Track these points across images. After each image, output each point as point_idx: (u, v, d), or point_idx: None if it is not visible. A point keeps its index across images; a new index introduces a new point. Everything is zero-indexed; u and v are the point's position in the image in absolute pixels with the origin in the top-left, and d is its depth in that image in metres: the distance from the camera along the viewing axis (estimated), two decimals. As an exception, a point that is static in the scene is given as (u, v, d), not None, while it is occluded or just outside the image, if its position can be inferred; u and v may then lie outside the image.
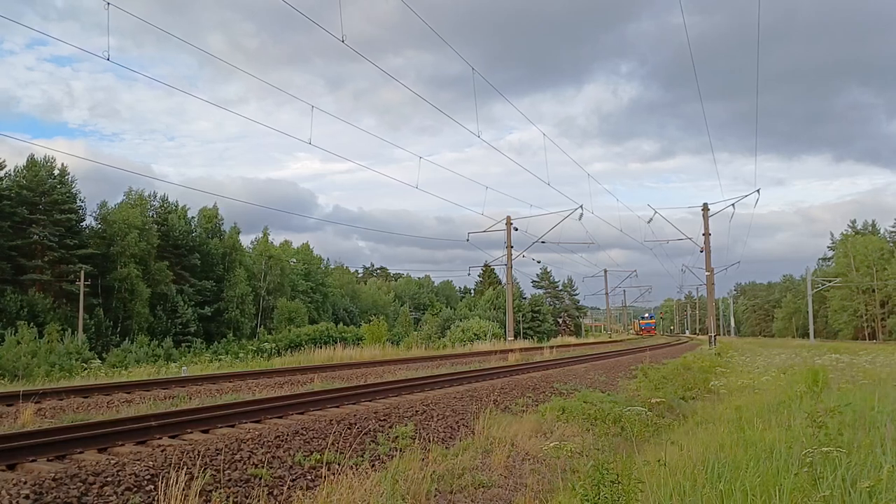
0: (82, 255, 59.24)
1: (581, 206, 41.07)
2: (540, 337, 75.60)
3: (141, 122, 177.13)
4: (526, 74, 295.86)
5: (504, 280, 56.56)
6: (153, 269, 64.05)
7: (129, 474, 6.30)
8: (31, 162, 60.66)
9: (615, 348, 41.18)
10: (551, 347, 34.11)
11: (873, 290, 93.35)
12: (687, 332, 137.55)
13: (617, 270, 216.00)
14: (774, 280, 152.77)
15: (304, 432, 8.53)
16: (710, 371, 20.07)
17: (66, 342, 41.85)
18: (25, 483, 5.79)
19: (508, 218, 44.51)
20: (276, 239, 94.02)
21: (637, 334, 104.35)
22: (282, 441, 8.04)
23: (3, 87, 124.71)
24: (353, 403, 11.28)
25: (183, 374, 18.49)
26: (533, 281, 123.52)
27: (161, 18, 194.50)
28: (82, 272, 55.15)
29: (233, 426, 8.93)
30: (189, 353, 48.21)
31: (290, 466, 7.37)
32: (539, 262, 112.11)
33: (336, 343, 37.83)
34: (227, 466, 6.92)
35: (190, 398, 12.68)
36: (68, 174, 62.78)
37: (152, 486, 6.10)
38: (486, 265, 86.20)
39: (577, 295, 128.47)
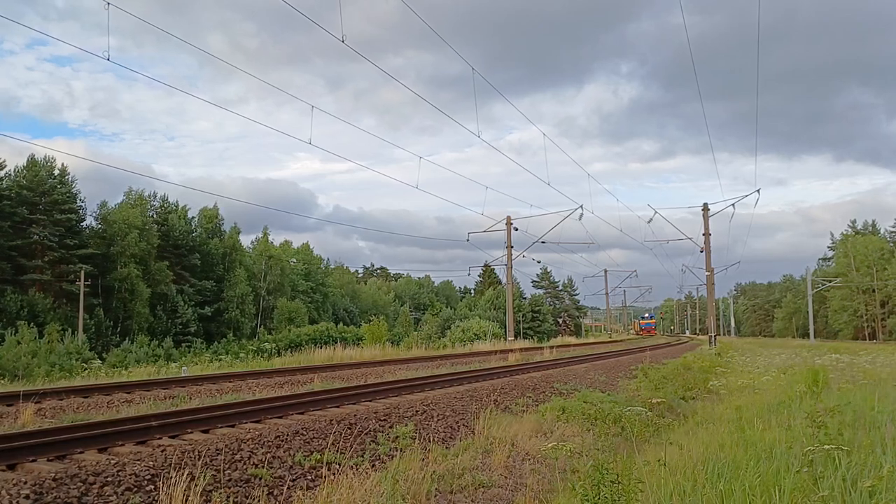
0: (82, 255, 59.25)
1: (581, 206, 41.12)
2: (540, 337, 75.58)
3: (141, 122, 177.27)
4: (526, 74, 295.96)
5: (504, 280, 56.62)
6: (153, 269, 64.06)
7: (130, 474, 6.30)
8: (32, 162, 60.69)
9: (615, 348, 41.18)
10: (551, 347, 34.11)
11: (873, 290, 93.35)
12: (687, 332, 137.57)
13: (617, 270, 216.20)
14: (774, 280, 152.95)
15: (305, 432, 8.53)
16: (710, 371, 20.07)
17: (67, 342, 41.86)
18: (25, 483, 5.79)
19: (508, 218, 44.52)
20: (276, 239, 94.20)
21: (637, 334, 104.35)
22: (282, 441, 8.05)
23: (3, 87, 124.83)
24: (354, 403, 11.29)
25: (183, 374, 18.49)
26: (533, 281, 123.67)
27: (161, 18, 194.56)
28: (82, 272, 55.16)
29: (233, 426, 8.94)
30: (189, 353, 48.20)
31: (291, 466, 7.37)
32: (539, 262, 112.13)
33: (336, 343, 37.85)
34: (227, 466, 6.92)
35: (190, 398, 12.68)
36: (68, 174, 62.88)
37: (153, 487, 6.10)
38: (486, 265, 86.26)
39: (577, 295, 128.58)
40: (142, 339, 52.72)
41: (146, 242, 63.55)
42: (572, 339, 70.45)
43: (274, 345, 45.77)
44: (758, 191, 43.37)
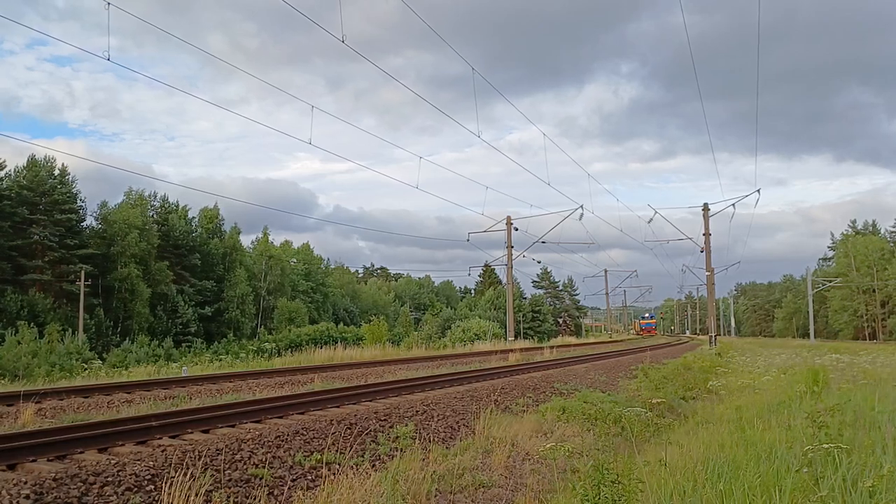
0: (82, 255, 59.26)
1: (581, 206, 41.13)
2: (540, 337, 75.58)
3: (141, 122, 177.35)
4: (526, 74, 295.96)
5: (504, 280, 56.62)
6: (153, 269, 64.07)
7: (130, 474, 6.30)
8: (32, 162, 60.70)
9: (615, 348, 41.18)
10: (551, 347, 34.11)
11: (873, 290, 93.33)
12: (687, 332, 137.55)
13: (617, 270, 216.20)
14: (775, 280, 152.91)
15: (305, 432, 8.53)
16: (710, 371, 20.06)
17: (67, 342, 41.88)
18: (26, 483, 5.79)
19: (508, 218, 44.52)
20: (277, 239, 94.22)
21: (637, 334, 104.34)
22: (282, 441, 8.05)
23: (3, 87, 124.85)
24: (354, 403, 11.29)
25: (183, 375, 18.50)
26: (533, 281, 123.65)
27: (161, 18, 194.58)
28: (82, 272, 55.16)
29: (233, 426, 8.94)
30: (189, 353, 48.21)
31: (291, 466, 7.37)
32: (539, 262, 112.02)
33: (336, 343, 37.85)
34: (227, 466, 6.92)
35: (190, 398, 12.69)
36: (68, 174, 62.88)
37: (153, 487, 6.11)
38: (486, 265, 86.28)
39: (577, 295, 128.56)
40: (142, 339, 52.75)
41: (146, 242, 63.56)
42: (572, 339, 70.45)
43: (274, 345, 45.82)
44: (758, 191, 43.42)
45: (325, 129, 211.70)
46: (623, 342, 59.23)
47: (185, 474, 5.84)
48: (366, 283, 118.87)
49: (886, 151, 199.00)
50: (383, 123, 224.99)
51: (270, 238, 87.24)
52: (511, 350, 29.90)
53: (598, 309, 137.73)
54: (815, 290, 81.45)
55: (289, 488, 6.77)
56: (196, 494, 5.63)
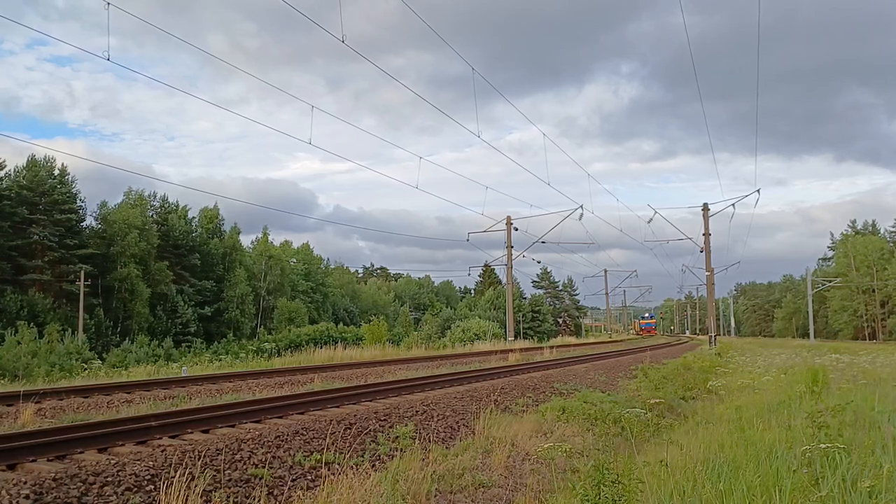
0: (82, 255, 59.24)
1: (581, 206, 41.13)
2: (540, 337, 75.59)
3: (141, 122, 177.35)
4: (526, 74, 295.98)
5: (504, 280, 56.60)
6: (153, 269, 64.05)
7: (130, 474, 6.30)
8: (32, 162, 60.68)
9: (615, 348, 41.18)
10: (551, 347, 34.11)
11: (873, 290, 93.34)
12: (687, 332, 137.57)
13: (617, 270, 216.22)
14: (774, 280, 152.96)
15: (305, 432, 8.53)
16: (710, 371, 20.06)
17: (67, 342, 41.88)
18: (25, 483, 5.79)
19: (508, 218, 44.52)
20: (277, 239, 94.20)
21: (637, 334, 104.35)
22: (282, 441, 8.04)
23: (3, 87, 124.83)
24: (354, 403, 11.29)
25: (183, 375, 18.50)
26: (533, 281, 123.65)
27: (161, 18, 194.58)
28: (82, 272, 55.15)
29: (233, 426, 8.94)
30: (189, 353, 48.22)
31: (291, 466, 7.37)
32: (539, 262, 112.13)
33: (336, 343, 37.84)
34: (227, 466, 6.92)
35: (190, 398, 12.68)
36: (68, 174, 62.86)
37: (152, 487, 6.10)
38: (486, 265, 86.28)
39: (577, 295, 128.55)
40: (142, 339, 52.73)
41: (146, 242, 63.55)
42: (572, 339, 70.45)
43: (274, 345, 45.83)
44: (758, 191, 43.40)
45: (325, 129, 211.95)
46: (623, 342, 59.23)
47: (185, 474, 5.84)
48: (366, 283, 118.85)
49: (886, 151, 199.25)
50: (383, 123, 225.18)
51: (270, 238, 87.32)
52: (511, 350, 29.90)
53: (598, 309, 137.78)
54: (815, 290, 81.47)
55: (289, 488, 6.77)
56: (196, 494, 5.63)
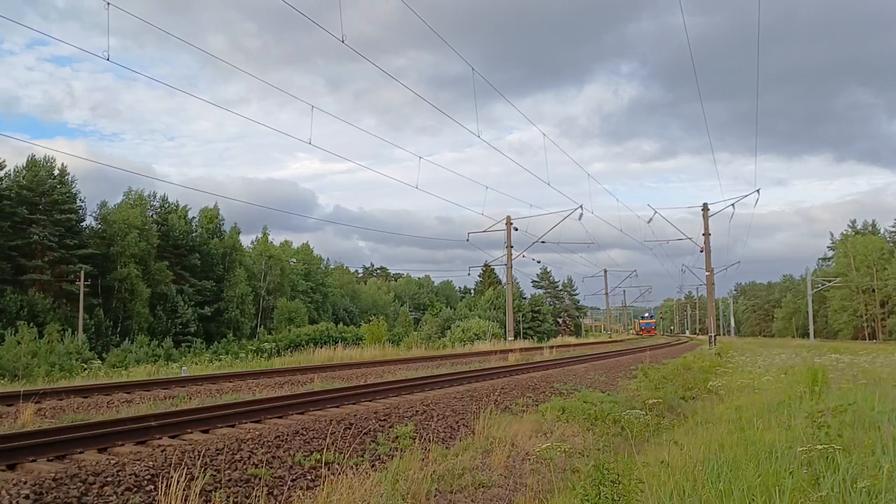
0: (82, 255, 59.23)
1: (581, 206, 41.10)
2: (540, 337, 75.58)
3: (141, 122, 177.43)
4: (526, 74, 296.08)
5: (504, 280, 56.60)
6: (153, 269, 64.04)
7: (130, 474, 6.30)
8: (32, 162, 60.66)
9: (615, 348, 41.18)
10: (551, 347, 34.10)
11: (873, 290, 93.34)
12: (687, 332, 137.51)
13: (617, 270, 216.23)
14: (774, 280, 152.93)
15: (305, 432, 8.53)
16: (710, 371, 20.05)
17: (66, 342, 41.87)
18: (25, 483, 5.79)
19: (508, 218, 44.52)
20: (276, 239, 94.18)
21: (637, 334, 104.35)
22: (282, 441, 8.04)
23: (3, 87, 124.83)
24: (354, 403, 11.28)
25: (183, 374, 18.49)
26: (533, 281, 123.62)
27: (161, 18, 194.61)
28: (82, 272, 55.14)
29: (233, 426, 8.94)
30: (189, 353, 48.21)
31: (291, 466, 7.37)
32: (539, 262, 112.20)
33: (336, 343, 37.83)
34: (227, 466, 6.92)
35: (190, 398, 12.68)
36: (68, 174, 62.84)
37: (152, 486, 6.10)
38: (486, 265, 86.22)
39: (577, 295, 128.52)
40: (142, 339, 52.71)
41: (146, 242, 63.54)
42: (572, 339, 70.44)
43: (274, 345, 45.79)
44: (758, 191, 43.38)
45: (325, 129, 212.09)
46: (623, 342, 59.22)
47: (185, 474, 5.84)
48: (365, 283, 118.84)
49: (886, 151, 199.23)
50: (383, 123, 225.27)
51: (270, 238, 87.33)
52: (511, 350, 29.90)
53: (598, 309, 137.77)
54: (815, 290, 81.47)
55: (288, 488, 6.77)
56: (196, 494, 5.63)
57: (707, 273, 45.25)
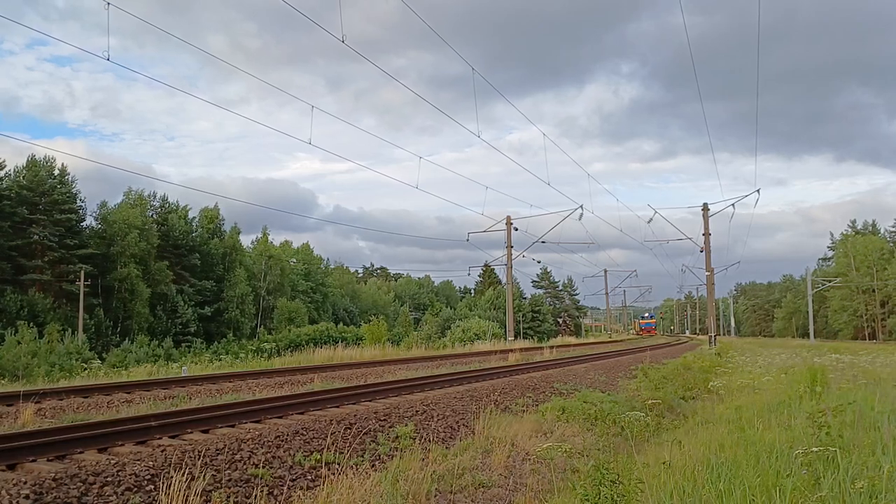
0: (82, 255, 59.24)
1: (581, 206, 41.12)
2: (540, 337, 75.56)
3: (141, 122, 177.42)
4: (526, 74, 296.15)
5: (504, 280, 56.61)
6: (153, 269, 64.07)
7: (130, 474, 6.30)
8: (32, 162, 60.69)
9: (615, 348, 41.17)
10: (551, 347, 34.09)
11: (873, 290, 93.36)
12: (687, 332, 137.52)
13: (617, 270, 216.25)
14: (774, 280, 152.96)
15: (305, 432, 8.53)
16: (710, 371, 20.06)
17: (67, 342, 41.87)
18: (25, 483, 5.79)
19: (508, 218, 44.52)
20: (276, 239, 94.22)
21: (637, 334, 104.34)
22: (282, 441, 8.04)
23: (3, 87, 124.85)
24: (354, 403, 11.28)
25: (183, 374, 18.49)
26: (533, 281, 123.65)
27: (161, 18, 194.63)
28: (82, 272, 55.15)
29: (233, 426, 8.93)
30: (189, 353, 48.21)
31: (291, 466, 7.37)
32: (539, 262, 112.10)
33: (336, 343, 37.83)
34: (227, 466, 6.92)
35: (190, 398, 12.68)
36: (68, 174, 62.89)
37: (152, 486, 6.10)
38: (486, 265, 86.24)
39: (577, 295, 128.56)
40: (142, 339, 52.71)
41: (146, 242, 63.56)
42: (572, 339, 70.43)
43: (274, 345, 45.77)
44: (758, 191, 43.36)
45: (325, 129, 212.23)
46: (623, 342, 59.22)
47: (185, 474, 5.84)
48: (365, 283, 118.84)
49: (886, 151, 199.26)
50: (383, 123, 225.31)
51: (270, 238, 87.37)
52: (511, 350, 29.90)
53: (598, 309, 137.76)
54: (815, 290, 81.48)
55: (288, 488, 6.77)
56: (196, 494, 5.63)
57: (707, 273, 45.26)
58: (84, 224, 63.98)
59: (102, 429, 7.99)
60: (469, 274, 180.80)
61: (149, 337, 55.20)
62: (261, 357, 31.04)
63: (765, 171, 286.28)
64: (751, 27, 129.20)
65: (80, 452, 7.16)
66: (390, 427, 9.48)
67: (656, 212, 47.10)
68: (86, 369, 23.93)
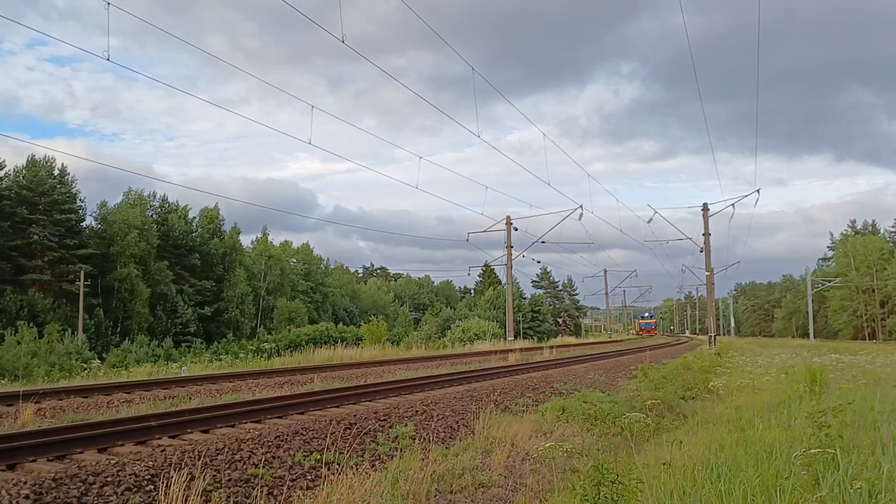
0: (82, 255, 59.23)
1: (581, 206, 41.11)
2: (540, 337, 75.57)
3: (141, 122, 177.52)
4: (526, 74, 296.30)
5: (504, 280, 56.60)
6: (153, 269, 64.05)
7: (129, 474, 6.30)
8: (32, 162, 60.67)
9: (615, 348, 41.17)
10: (551, 347, 34.09)
11: (873, 290, 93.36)
12: (687, 332, 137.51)
13: (617, 270, 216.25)
14: (774, 280, 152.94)
15: (304, 432, 8.52)
16: (710, 371, 20.05)
17: (66, 342, 41.83)
18: (25, 483, 5.78)
19: (508, 218, 44.52)
20: (276, 239, 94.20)
21: (637, 334, 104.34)
22: (282, 441, 8.04)
23: (3, 87, 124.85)
24: (353, 403, 11.28)
25: (183, 374, 18.49)
26: (533, 281, 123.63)
27: (161, 18, 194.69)
28: (82, 272, 55.13)
29: (233, 426, 8.93)
30: (189, 353, 48.19)
31: (290, 466, 7.37)
32: (539, 262, 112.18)
33: (336, 343, 37.84)
34: (227, 466, 6.92)
35: (190, 398, 12.68)
36: (68, 174, 62.86)
37: (152, 487, 6.10)
38: (486, 265, 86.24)
39: (577, 295, 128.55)
40: (141, 339, 52.68)
41: (146, 242, 63.55)
42: (572, 339, 70.42)
43: (274, 345, 45.75)
44: (758, 191, 43.36)
45: (325, 129, 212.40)
46: (622, 342, 59.22)
47: (185, 474, 5.84)
48: (365, 283, 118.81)
49: (886, 151, 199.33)
50: (384, 123, 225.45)
51: (270, 238, 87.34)
52: (511, 350, 29.89)
53: (598, 309, 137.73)
54: (815, 290, 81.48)
55: (288, 488, 6.77)
56: (195, 494, 5.63)
57: (707, 273, 45.26)
58: (84, 224, 64.01)
59: (102, 429, 7.99)
60: (469, 274, 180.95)
61: (149, 337, 55.17)
62: (261, 357, 31.01)
63: (765, 171, 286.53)
64: (751, 27, 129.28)
65: (80, 452, 7.16)
66: (390, 427, 9.48)
67: (656, 212, 47.15)
68: (86, 369, 23.92)
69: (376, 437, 8.90)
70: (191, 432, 8.40)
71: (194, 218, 75.90)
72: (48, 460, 6.83)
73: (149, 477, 6.31)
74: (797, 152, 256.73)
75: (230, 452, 7.31)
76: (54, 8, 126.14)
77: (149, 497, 5.95)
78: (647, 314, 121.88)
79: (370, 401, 11.65)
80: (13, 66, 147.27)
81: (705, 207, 44.38)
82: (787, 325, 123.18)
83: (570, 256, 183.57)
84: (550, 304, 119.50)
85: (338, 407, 10.87)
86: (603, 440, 9.42)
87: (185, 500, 5.54)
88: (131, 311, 60.72)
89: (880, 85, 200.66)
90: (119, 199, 69.32)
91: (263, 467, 7.10)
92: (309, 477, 7.15)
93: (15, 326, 40.93)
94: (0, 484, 5.74)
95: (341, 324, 75.75)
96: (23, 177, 59.73)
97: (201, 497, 5.74)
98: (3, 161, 59.45)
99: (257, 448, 7.62)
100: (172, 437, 8.13)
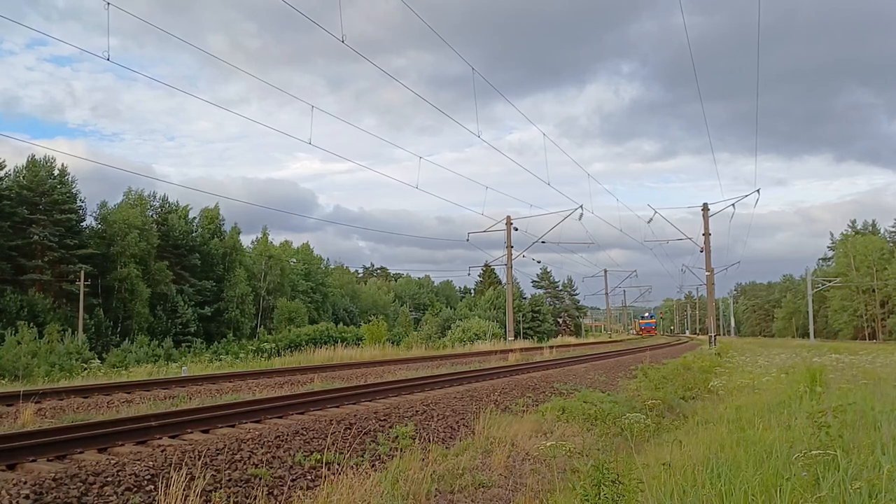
0: (82, 255, 59.23)
1: (581, 206, 41.10)
2: (540, 337, 75.53)
3: (141, 122, 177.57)
4: (526, 74, 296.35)
5: (504, 280, 56.61)
6: (153, 269, 64.05)
7: (130, 474, 6.30)
8: (32, 162, 60.69)
9: (615, 348, 41.17)
10: (551, 347, 34.08)
11: (873, 290, 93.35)
12: (687, 332, 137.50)
13: (617, 270, 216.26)
14: (774, 280, 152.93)
15: (304, 432, 8.52)
16: (710, 371, 20.05)
17: (67, 342, 41.82)
18: (25, 483, 5.78)
19: (508, 218, 44.52)
20: (276, 239, 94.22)
21: (637, 334, 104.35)
22: (282, 441, 8.04)
23: (3, 87, 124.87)
24: (353, 403, 11.28)
25: (183, 374, 18.49)
26: (533, 281, 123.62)
27: (161, 18, 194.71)
28: (82, 272, 55.14)
29: (233, 426, 8.93)
30: (189, 353, 48.17)
31: (291, 466, 7.37)
32: (539, 262, 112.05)
33: (336, 343, 37.84)
34: (227, 466, 6.92)
35: (190, 398, 12.68)
36: (68, 174, 62.86)
37: (152, 487, 6.10)
38: (486, 265, 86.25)
39: (577, 295, 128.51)
40: (142, 339, 52.66)
41: (146, 242, 63.55)
42: (572, 339, 70.42)
43: (274, 345, 45.74)
44: (758, 191, 43.35)
45: (325, 129, 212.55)
46: (623, 342, 59.22)
47: (185, 474, 5.84)
48: (365, 283, 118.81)
49: (886, 151, 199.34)
50: (384, 123, 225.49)
51: (270, 238, 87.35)
52: (511, 350, 29.89)
53: (598, 309, 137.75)
54: (815, 290, 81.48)
55: (288, 488, 6.77)
56: (196, 494, 5.63)
57: (707, 273, 45.25)
58: (84, 224, 64.00)
59: (102, 429, 7.99)
60: (469, 274, 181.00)
61: (149, 337, 55.15)
62: (261, 357, 31.02)
63: (765, 171, 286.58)
64: (751, 27, 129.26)
65: (80, 452, 7.16)
66: (390, 427, 9.48)
67: (656, 212, 47.14)
68: (86, 369, 23.94)
69: (376, 437, 8.90)
70: (191, 432, 8.40)
71: (194, 218, 75.92)
72: (48, 460, 6.83)
73: (149, 477, 6.31)
74: (797, 152, 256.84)
75: (230, 452, 7.31)
76: (54, 8, 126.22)
77: (149, 497, 5.95)
78: (647, 314, 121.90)
79: (370, 401, 11.65)
80: (13, 66, 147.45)
81: (705, 207, 44.38)
82: (788, 325, 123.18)
83: (570, 256, 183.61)
84: (550, 304, 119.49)
85: (338, 407, 10.87)
86: (603, 440, 9.42)
87: (185, 500, 5.54)
88: (131, 311, 60.72)
89: (880, 85, 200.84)
90: (119, 199, 69.41)
91: (263, 467, 7.10)
92: (309, 477, 7.15)
93: (15, 326, 40.92)
94: (0, 484, 5.74)
95: (341, 324, 75.72)
96: (23, 177, 59.74)
97: (201, 497, 5.74)
98: (4, 161, 59.55)
99: (257, 448, 7.62)
100: (172, 437, 8.13)
